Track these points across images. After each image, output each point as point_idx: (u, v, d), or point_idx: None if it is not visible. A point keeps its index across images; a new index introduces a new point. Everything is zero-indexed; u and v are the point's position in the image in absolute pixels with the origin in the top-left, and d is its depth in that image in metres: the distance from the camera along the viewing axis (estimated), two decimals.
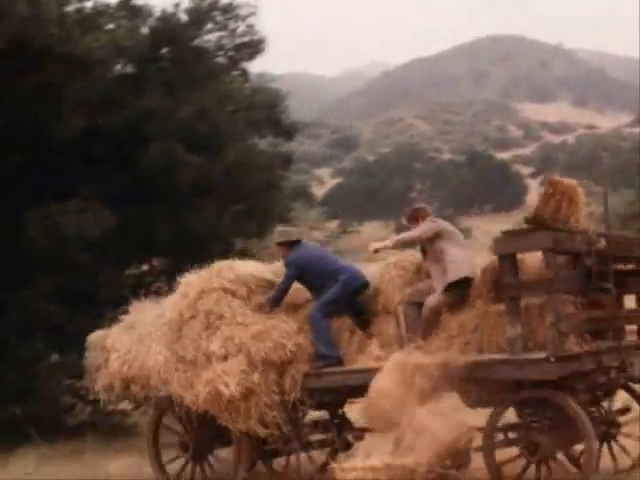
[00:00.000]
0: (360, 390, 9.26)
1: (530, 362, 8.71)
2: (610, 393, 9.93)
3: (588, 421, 8.69)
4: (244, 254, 19.05)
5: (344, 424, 10.98)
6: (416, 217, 10.32)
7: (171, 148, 16.10)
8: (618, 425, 10.06)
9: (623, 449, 10.04)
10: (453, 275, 9.67)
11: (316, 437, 10.69)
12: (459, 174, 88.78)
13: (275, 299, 10.39)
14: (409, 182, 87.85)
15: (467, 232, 52.56)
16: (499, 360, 8.96)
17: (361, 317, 10.49)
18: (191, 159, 16.29)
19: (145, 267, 18.66)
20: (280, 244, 10.71)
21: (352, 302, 10.44)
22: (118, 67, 17.35)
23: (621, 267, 9.75)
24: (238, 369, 9.91)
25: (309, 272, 10.39)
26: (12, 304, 15.20)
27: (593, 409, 9.71)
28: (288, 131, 19.31)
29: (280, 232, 10.93)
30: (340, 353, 10.24)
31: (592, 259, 9.11)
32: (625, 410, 10.13)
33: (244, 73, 19.19)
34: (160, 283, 17.38)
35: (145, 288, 17.12)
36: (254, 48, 18.35)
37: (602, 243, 9.25)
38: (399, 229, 46.55)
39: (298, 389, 10.02)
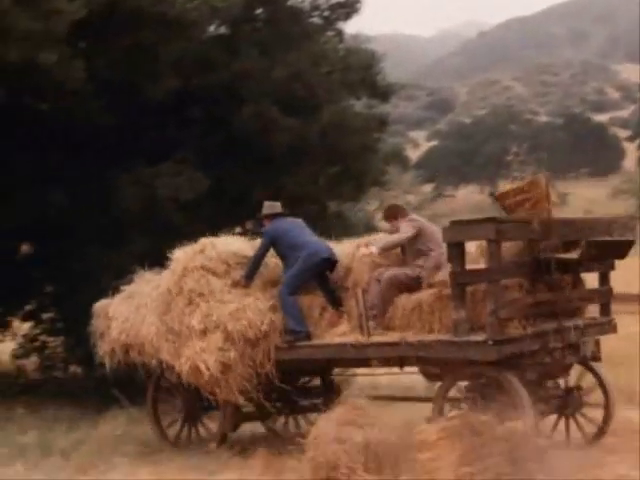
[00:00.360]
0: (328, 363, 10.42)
1: (471, 344, 9.25)
2: (566, 370, 10.29)
3: (527, 397, 9.08)
4: (338, 217, 18.99)
5: (333, 390, 11.69)
6: (394, 215, 10.74)
7: (265, 110, 15.92)
8: (579, 401, 10.40)
9: (590, 420, 10.42)
10: (416, 270, 10.23)
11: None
12: (555, 137, 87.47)
13: (249, 270, 10.87)
14: (505, 145, 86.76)
15: (562, 198, 51.63)
16: (444, 341, 9.51)
17: (332, 294, 10.80)
18: (286, 121, 16.11)
19: (238, 230, 18.58)
20: (265, 216, 11.29)
21: (322, 279, 10.81)
22: (212, 28, 17.24)
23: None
24: (215, 346, 10.49)
25: (280, 244, 10.84)
26: (105, 267, 15.29)
27: (549, 386, 10.15)
28: (384, 93, 19.02)
29: (265, 205, 11.42)
30: (308, 328, 10.65)
31: (535, 247, 9.65)
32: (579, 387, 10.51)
33: (339, 34, 18.93)
34: None
35: None
36: (349, 8, 18.10)
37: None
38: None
39: (270, 362, 10.60)
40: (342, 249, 11.02)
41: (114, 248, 15.04)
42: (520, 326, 9.41)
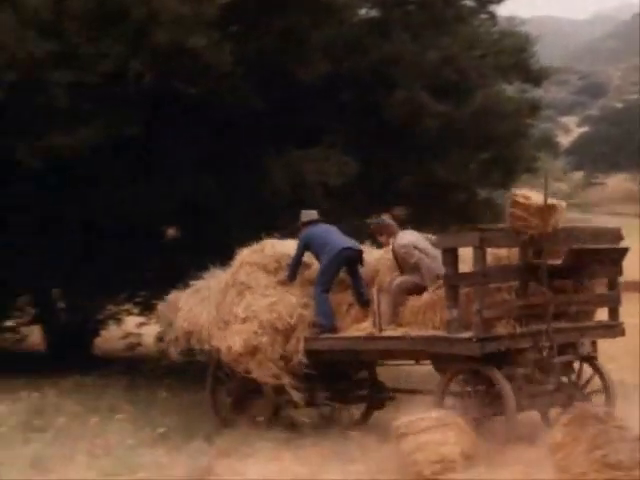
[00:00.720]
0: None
1: (460, 340, 10.17)
2: (567, 368, 11.03)
3: (510, 392, 9.95)
4: (488, 204, 18.62)
5: (377, 384, 12.51)
6: (381, 232, 11.90)
7: (416, 94, 15.66)
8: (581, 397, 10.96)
9: None
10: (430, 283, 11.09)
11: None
12: None
13: (290, 270, 12.04)
14: None
15: None
16: (437, 337, 10.54)
17: (361, 293, 11.84)
18: (436, 106, 15.82)
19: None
20: (302, 224, 12.24)
21: (355, 277, 11.88)
22: (363, 11, 17.11)
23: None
24: (249, 331, 11.69)
25: (312, 246, 11.92)
26: None
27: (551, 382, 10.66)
28: (536, 77, 18.54)
29: (303, 214, 12.38)
30: (334, 323, 11.74)
31: (523, 253, 10.55)
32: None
33: (492, 16, 18.55)
34: None
35: None
36: None
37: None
38: None
39: (300, 351, 11.68)
40: (371, 253, 12.24)
41: (262, 233, 15.08)
42: (509, 326, 10.28)
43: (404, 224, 17.60)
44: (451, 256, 10.31)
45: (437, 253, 10.89)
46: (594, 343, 11.23)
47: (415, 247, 11.30)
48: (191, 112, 14.66)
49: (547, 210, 10.30)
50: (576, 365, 11.23)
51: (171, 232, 17.47)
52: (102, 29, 13.50)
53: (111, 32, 13.47)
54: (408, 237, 11.56)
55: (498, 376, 10.06)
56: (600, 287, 11.39)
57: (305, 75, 14.69)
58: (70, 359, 15.88)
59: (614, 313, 11.48)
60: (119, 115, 13.74)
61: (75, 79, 13.29)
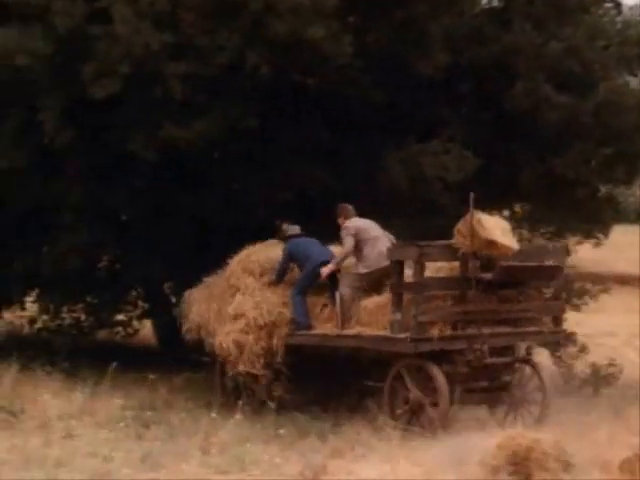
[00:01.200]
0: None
1: (398, 340, 11.94)
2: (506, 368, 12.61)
3: (444, 385, 11.66)
4: (609, 201, 18.17)
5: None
6: (339, 215, 13.26)
7: (538, 86, 15.30)
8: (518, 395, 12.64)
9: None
10: (362, 269, 12.83)
11: None
12: None
13: (276, 277, 13.58)
14: None
15: None
16: (382, 336, 12.22)
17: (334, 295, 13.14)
18: (558, 98, 15.45)
19: (506, 212, 18.14)
20: (288, 236, 13.70)
21: (333, 282, 13.23)
22: (484, 1, 16.77)
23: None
24: (238, 329, 13.30)
25: (295, 257, 13.47)
26: None
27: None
28: None
29: (287, 228, 13.88)
30: (310, 322, 13.21)
31: (461, 267, 12.21)
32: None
33: (616, 5, 18.03)
34: (522, 230, 17.09)
35: None
36: None
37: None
38: None
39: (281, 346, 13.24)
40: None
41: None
42: (445, 329, 12.01)
43: (525, 222, 17.57)
44: (398, 266, 12.11)
45: (386, 245, 12.62)
46: (529, 347, 12.72)
47: (357, 233, 12.85)
48: (308, 104, 14.59)
49: (473, 230, 11.99)
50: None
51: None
52: (218, 20, 13.46)
53: (228, 23, 13.41)
54: (356, 222, 13.09)
55: (434, 371, 11.79)
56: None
57: (424, 67, 14.46)
58: (181, 354, 16.01)
59: (557, 321, 13.12)
60: (235, 107, 13.72)
61: (191, 71, 13.33)
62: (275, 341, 13.30)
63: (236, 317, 13.44)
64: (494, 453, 9.55)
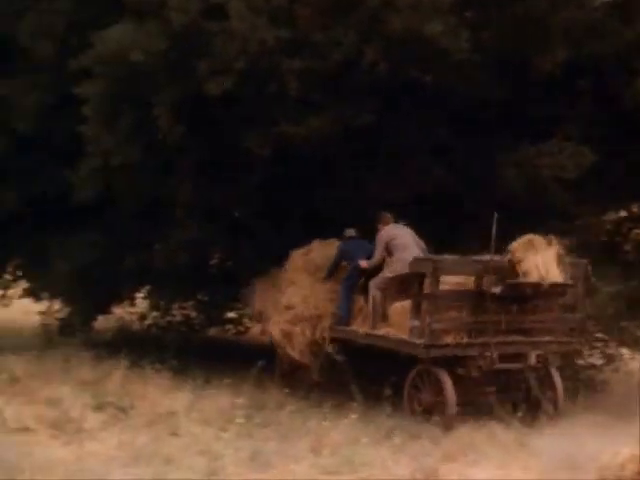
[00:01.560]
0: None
1: (414, 344, 12.95)
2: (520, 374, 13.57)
3: (452, 390, 12.65)
4: None
5: None
6: (379, 221, 14.31)
7: None
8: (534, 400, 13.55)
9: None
10: (388, 273, 13.86)
11: None
12: None
13: (327, 272, 14.82)
14: None
15: None
16: (402, 340, 13.22)
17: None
18: None
19: (623, 213, 17.87)
20: (345, 238, 14.84)
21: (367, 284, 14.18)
22: None
23: None
24: (286, 319, 14.72)
25: (345, 257, 14.65)
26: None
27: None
28: None
29: (345, 231, 14.87)
30: (350, 318, 14.30)
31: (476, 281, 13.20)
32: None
33: None
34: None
35: (623, 235, 16.73)
36: None
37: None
38: None
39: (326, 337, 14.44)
40: None
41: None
42: (459, 337, 12.98)
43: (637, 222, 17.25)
44: (418, 278, 13.05)
45: (415, 254, 13.57)
46: (539, 356, 13.53)
47: (389, 240, 13.93)
48: (424, 102, 14.49)
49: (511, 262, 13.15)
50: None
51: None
52: (335, 16, 13.45)
53: (344, 19, 13.39)
54: (390, 230, 14.13)
55: (442, 375, 12.77)
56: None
57: (543, 63, 14.21)
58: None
59: (573, 333, 14.04)
60: (351, 104, 13.71)
61: (306, 67, 13.35)
62: (319, 333, 14.52)
63: (287, 308, 14.78)
64: (622, 464, 9.31)
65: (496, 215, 12.74)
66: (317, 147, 14.11)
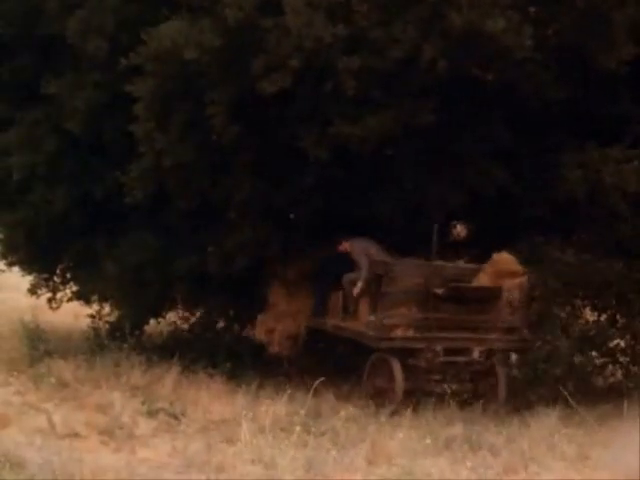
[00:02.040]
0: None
1: (368, 336, 14.76)
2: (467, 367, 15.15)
3: (400, 376, 14.28)
4: None
5: None
6: (340, 242, 15.43)
7: None
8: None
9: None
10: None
11: None
12: None
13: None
14: None
15: None
16: (360, 331, 15.05)
17: None
18: None
19: None
20: None
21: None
22: None
23: None
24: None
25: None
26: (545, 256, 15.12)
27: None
28: None
29: None
30: (324, 310, 15.99)
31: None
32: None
33: None
34: None
35: None
36: None
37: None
38: None
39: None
40: None
41: (553, 237, 14.78)
42: (408, 331, 14.69)
43: None
44: (375, 278, 14.85)
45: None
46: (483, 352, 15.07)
47: (367, 249, 15.13)
48: (485, 101, 14.36)
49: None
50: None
51: (460, 229, 17.39)
52: (393, 12, 13.32)
53: (403, 15, 13.26)
54: (361, 242, 15.26)
55: (393, 363, 14.35)
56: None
57: (608, 60, 13.97)
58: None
59: (513, 331, 15.34)
60: (409, 103, 13.60)
61: (364, 65, 13.24)
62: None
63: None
64: None
65: (436, 226, 14.30)
66: (375, 148, 13.99)
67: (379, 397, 14.45)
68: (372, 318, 14.86)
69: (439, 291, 14.67)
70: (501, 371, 15.17)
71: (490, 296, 15.12)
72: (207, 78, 14.01)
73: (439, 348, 14.71)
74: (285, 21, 13.30)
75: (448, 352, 14.84)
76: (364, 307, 15.21)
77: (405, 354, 14.71)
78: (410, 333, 14.80)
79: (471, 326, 15.17)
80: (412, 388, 14.58)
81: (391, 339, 14.71)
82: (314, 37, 13.16)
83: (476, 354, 15.07)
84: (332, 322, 15.75)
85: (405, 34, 13.21)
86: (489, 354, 15.21)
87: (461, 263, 16.19)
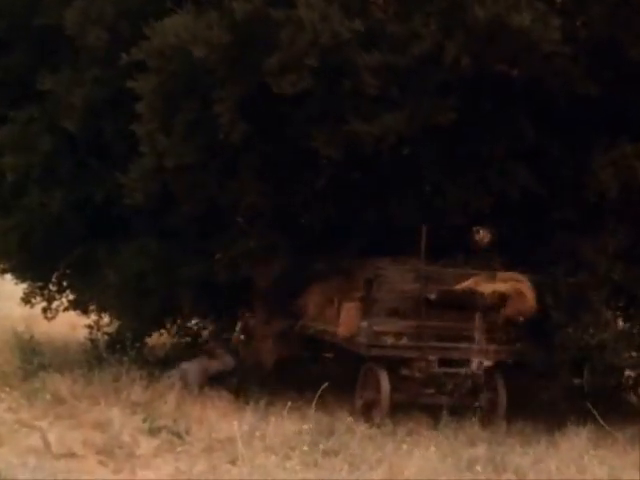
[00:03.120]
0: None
1: (359, 344, 14.92)
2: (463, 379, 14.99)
3: (386, 384, 14.47)
4: None
5: None
6: None
7: None
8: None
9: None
10: None
11: None
12: None
13: None
14: None
15: None
16: (351, 338, 15.11)
17: None
18: None
19: None
20: None
21: None
22: None
23: None
24: None
25: None
26: (569, 256, 15.08)
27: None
28: None
29: None
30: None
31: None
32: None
33: None
34: None
35: None
36: None
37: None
38: None
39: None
40: None
41: (585, 236, 14.72)
42: (398, 339, 14.81)
43: None
44: (367, 284, 14.99)
45: None
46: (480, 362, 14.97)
47: None
48: (510, 98, 14.37)
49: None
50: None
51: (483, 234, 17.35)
52: (413, 5, 13.35)
53: (423, 9, 13.29)
54: None
55: (380, 372, 14.57)
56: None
57: (636, 53, 14.10)
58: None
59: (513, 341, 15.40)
60: (429, 101, 13.61)
61: (383, 62, 13.23)
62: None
63: None
64: None
65: (425, 227, 14.44)
66: (391, 147, 13.97)
67: (368, 409, 14.70)
68: (364, 324, 14.90)
69: (431, 295, 14.77)
70: (501, 384, 15.16)
71: (484, 302, 14.96)
72: (214, 75, 14.00)
73: (433, 359, 14.81)
74: (298, 14, 13.21)
75: (443, 363, 14.94)
76: (352, 313, 15.22)
77: (396, 363, 14.86)
78: (404, 341, 14.89)
79: (468, 335, 15.09)
80: (403, 400, 14.72)
81: (382, 348, 14.80)
82: (331, 32, 13.09)
83: (475, 366, 15.03)
84: (319, 327, 16.08)
85: (426, 29, 13.22)
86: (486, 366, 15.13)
87: (453, 268, 15.55)
